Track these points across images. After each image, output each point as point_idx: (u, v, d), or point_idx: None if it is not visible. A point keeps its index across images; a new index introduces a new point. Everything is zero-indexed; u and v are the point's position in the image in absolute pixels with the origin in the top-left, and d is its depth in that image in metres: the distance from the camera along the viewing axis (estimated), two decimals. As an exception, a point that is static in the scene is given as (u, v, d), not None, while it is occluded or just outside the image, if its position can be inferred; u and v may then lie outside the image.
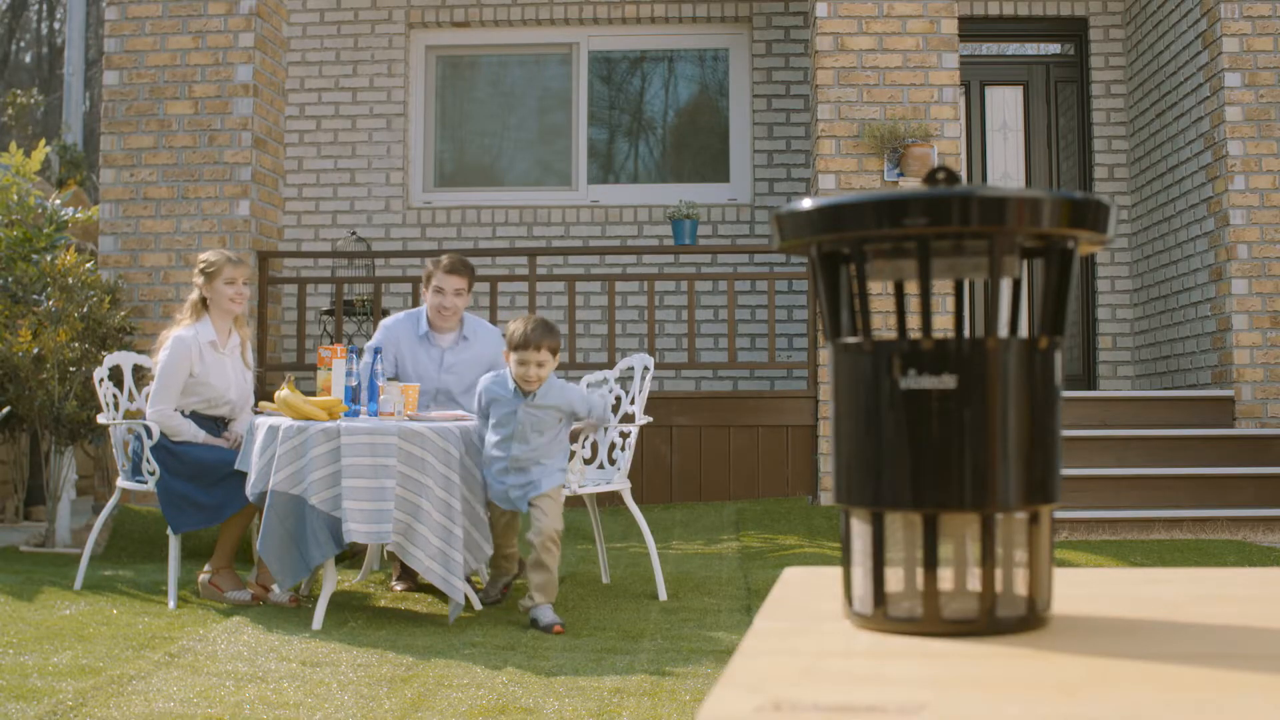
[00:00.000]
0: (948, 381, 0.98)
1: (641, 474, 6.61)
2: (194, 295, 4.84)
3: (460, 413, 4.62)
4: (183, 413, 4.73)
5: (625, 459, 4.77)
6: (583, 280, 7.00)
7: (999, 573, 0.99)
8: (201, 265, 4.83)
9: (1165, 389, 7.54)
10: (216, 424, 4.83)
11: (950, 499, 0.97)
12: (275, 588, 4.53)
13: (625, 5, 8.45)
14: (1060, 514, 5.93)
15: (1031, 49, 8.51)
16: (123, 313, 6.35)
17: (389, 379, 4.72)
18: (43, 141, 7.09)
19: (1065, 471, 5.86)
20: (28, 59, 13.89)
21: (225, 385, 4.79)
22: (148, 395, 4.88)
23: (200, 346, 4.72)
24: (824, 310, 1.08)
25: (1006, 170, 8.33)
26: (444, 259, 4.93)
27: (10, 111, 10.22)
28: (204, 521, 4.62)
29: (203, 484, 4.59)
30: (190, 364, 4.69)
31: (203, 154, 6.71)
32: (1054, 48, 8.48)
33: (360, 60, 8.42)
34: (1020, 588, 1.01)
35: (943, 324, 5.45)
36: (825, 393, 6.50)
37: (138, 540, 5.72)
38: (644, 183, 8.57)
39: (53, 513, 5.96)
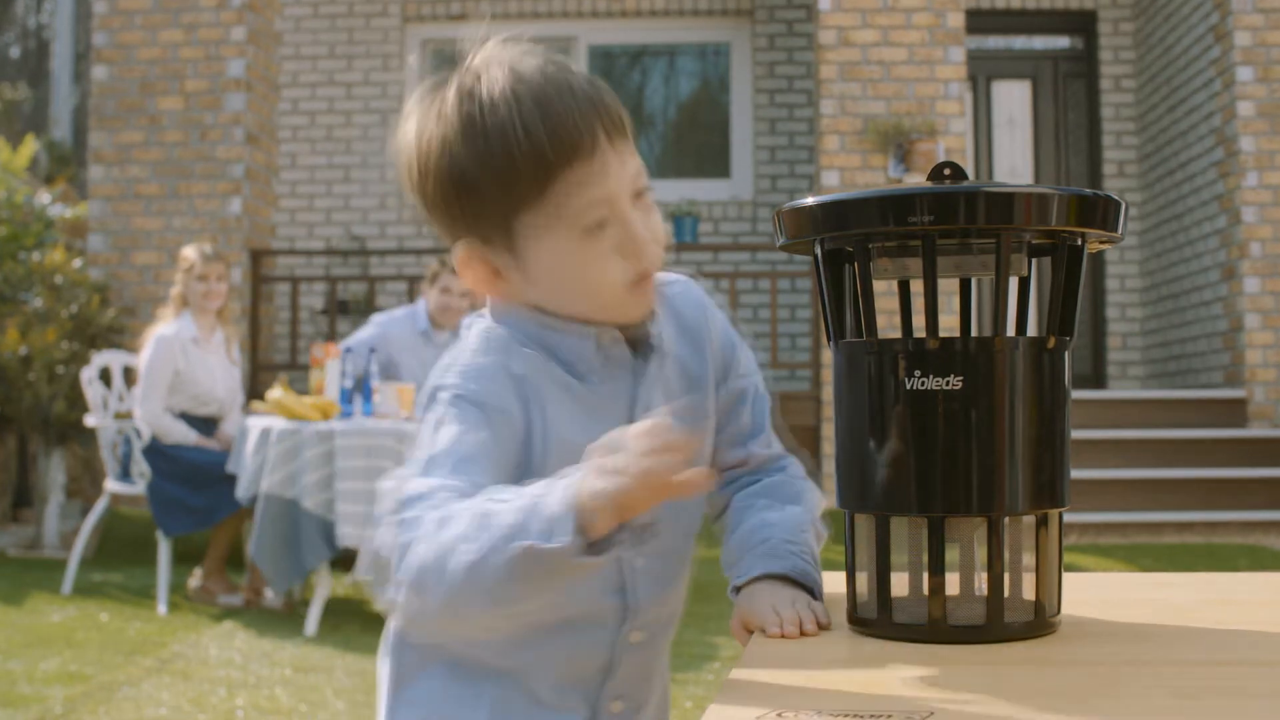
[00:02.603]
0: (954, 383, 0.97)
1: (642, 475, 6.52)
2: (175, 290, 4.83)
3: None
4: (172, 413, 4.68)
5: (624, 461, 4.70)
6: (582, 278, 6.90)
7: (1006, 578, 0.98)
8: (180, 261, 4.84)
9: (1176, 389, 7.46)
10: (207, 425, 4.77)
11: (956, 503, 0.96)
12: (268, 592, 4.50)
13: (626, -1, 8.39)
14: (1069, 517, 5.85)
15: (1039, 43, 8.44)
16: (112, 312, 6.29)
17: (384, 380, 4.64)
18: (30, 137, 7.03)
19: (1074, 474, 5.79)
20: (15, 53, 13.87)
21: (212, 382, 4.75)
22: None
23: (183, 343, 4.69)
24: (827, 310, 1.06)
25: (1014, 166, 8.25)
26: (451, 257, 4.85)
27: (-3, 107, 10.21)
28: (195, 525, 4.59)
29: (194, 487, 4.56)
30: (174, 361, 4.66)
31: (194, 150, 6.65)
32: (1062, 42, 8.40)
33: (355, 54, 8.36)
34: (1028, 593, 1.00)
35: (948, 324, 5.36)
36: (829, 393, 6.42)
37: (127, 544, 5.70)
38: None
39: (41, 516, 5.90)
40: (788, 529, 1.10)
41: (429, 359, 4.90)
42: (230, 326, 4.96)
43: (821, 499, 1.18)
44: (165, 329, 4.71)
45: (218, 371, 4.80)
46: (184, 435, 4.65)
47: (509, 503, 0.88)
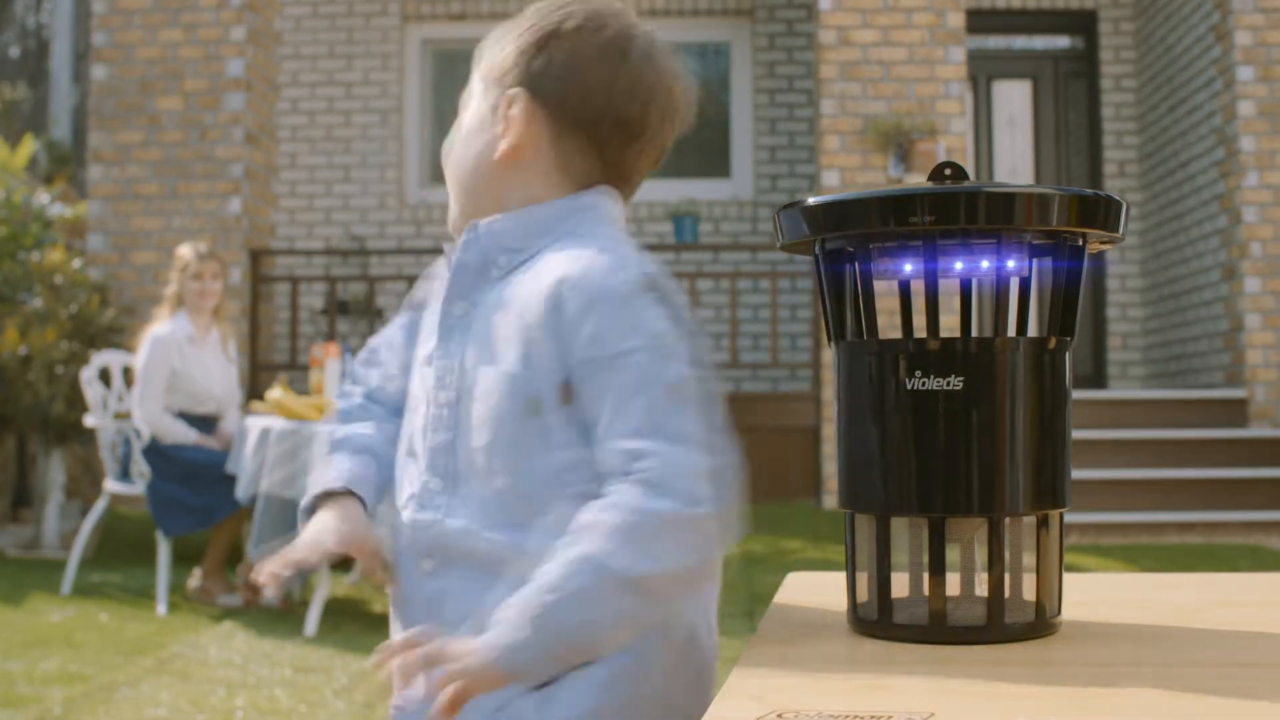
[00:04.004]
0: (955, 383, 0.96)
1: (642, 475, 6.51)
2: (171, 289, 4.83)
3: None
4: (170, 412, 4.67)
5: (624, 461, 4.69)
6: (582, 278, 6.88)
7: (1007, 579, 0.98)
8: (175, 260, 4.85)
9: (1177, 389, 7.45)
10: (204, 423, 4.76)
11: (957, 503, 0.96)
12: (266, 591, 4.49)
13: (626, -1, 8.37)
14: (1069, 517, 5.84)
15: (1040, 43, 8.43)
16: (112, 312, 6.28)
17: None
18: (29, 136, 7.01)
19: (1074, 474, 5.79)
20: (15, 53, 13.85)
21: (209, 381, 4.75)
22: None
23: (179, 342, 4.69)
24: (828, 310, 1.05)
25: (1014, 166, 8.24)
26: None
27: (-3, 107, 10.20)
28: (195, 525, 4.59)
29: (193, 487, 4.55)
30: (170, 361, 4.66)
31: (194, 150, 6.63)
32: (1063, 41, 8.39)
33: (354, 54, 8.35)
34: (1029, 594, 0.99)
35: (949, 324, 5.35)
36: (829, 394, 6.41)
37: (127, 544, 5.68)
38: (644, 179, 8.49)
39: (40, 516, 5.89)
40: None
41: None
42: (225, 324, 4.95)
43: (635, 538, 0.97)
44: (160, 329, 4.71)
45: (214, 370, 4.79)
46: (184, 435, 4.64)
47: None
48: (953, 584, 1.01)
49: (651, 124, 1.14)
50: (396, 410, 1.16)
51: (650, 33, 1.14)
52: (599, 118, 1.11)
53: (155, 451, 4.61)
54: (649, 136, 1.15)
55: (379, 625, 4.26)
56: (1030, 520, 0.99)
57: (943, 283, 1.00)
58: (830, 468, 6.38)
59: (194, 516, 4.57)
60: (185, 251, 4.79)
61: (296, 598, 4.60)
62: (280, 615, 4.41)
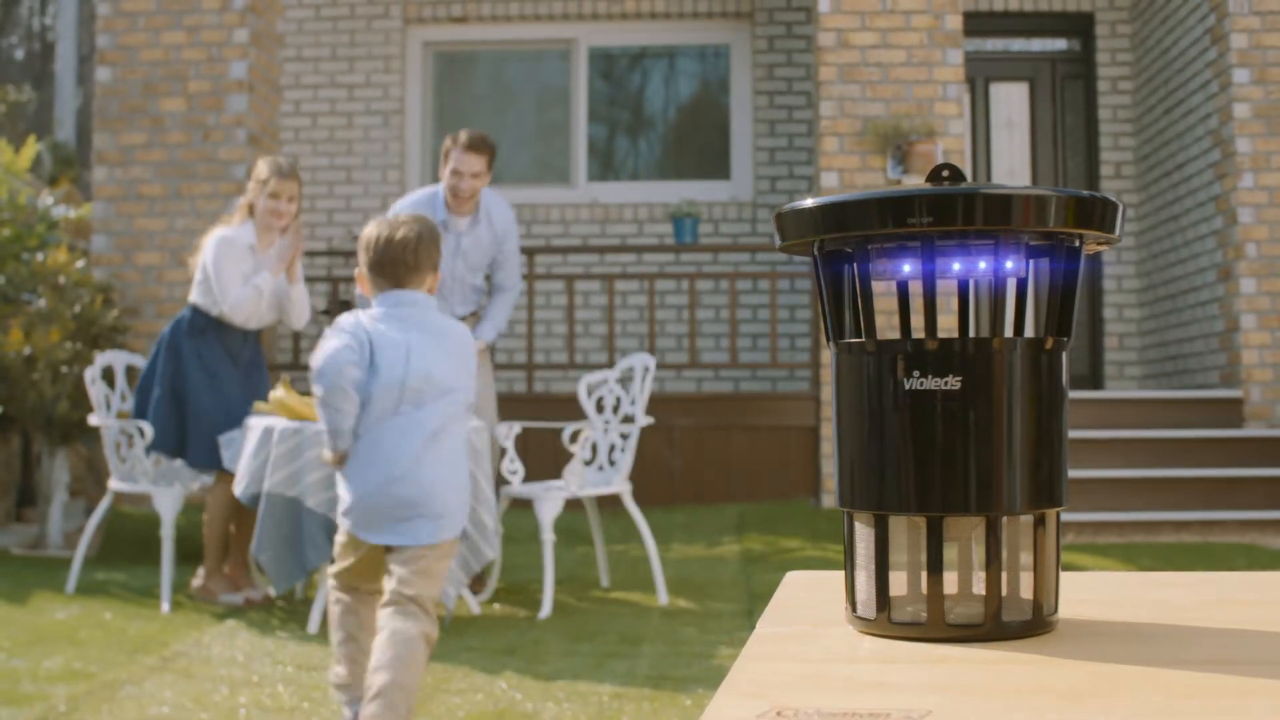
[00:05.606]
0: (952, 383, 0.96)
1: (642, 476, 6.54)
2: (244, 200, 4.69)
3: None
4: (207, 315, 4.63)
5: (625, 460, 4.72)
6: (582, 279, 6.94)
7: (1004, 577, 0.98)
8: (255, 172, 4.68)
9: (1173, 390, 7.47)
10: (240, 336, 4.71)
11: (955, 502, 0.96)
12: (269, 588, 4.52)
13: (625, 0, 8.39)
14: (1067, 516, 5.87)
15: (1037, 45, 8.45)
16: (115, 312, 6.30)
17: None
18: (33, 138, 7.03)
19: (1072, 474, 5.81)
20: (19, 55, 13.84)
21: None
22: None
23: (242, 247, 4.59)
24: (826, 310, 1.05)
25: (1012, 167, 8.26)
26: (463, 134, 4.68)
27: (1, 108, 10.18)
28: (168, 449, 4.63)
29: (193, 431, 4.58)
30: (238, 260, 4.57)
31: (197, 151, 6.66)
32: (1060, 44, 8.42)
33: (356, 56, 8.37)
34: (1026, 592, 0.99)
35: (947, 324, 5.35)
36: (828, 394, 6.43)
37: (130, 543, 5.70)
38: (644, 180, 8.51)
39: (44, 515, 5.91)
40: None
41: (447, 249, 4.83)
42: (299, 242, 4.71)
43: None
44: (226, 230, 4.60)
45: (264, 285, 4.67)
46: (262, 301, 4.60)
47: None
48: (950, 582, 1.01)
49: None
50: None
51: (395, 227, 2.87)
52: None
53: (172, 395, 4.62)
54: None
55: (381, 623, 4.28)
56: (1027, 519, 0.99)
57: (940, 283, 1.00)
58: (829, 467, 6.41)
59: (178, 447, 4.61)
60: (264, 166, 4.60)
61: (300, 596, 4.62)
62: (283, 614, 4.42)
